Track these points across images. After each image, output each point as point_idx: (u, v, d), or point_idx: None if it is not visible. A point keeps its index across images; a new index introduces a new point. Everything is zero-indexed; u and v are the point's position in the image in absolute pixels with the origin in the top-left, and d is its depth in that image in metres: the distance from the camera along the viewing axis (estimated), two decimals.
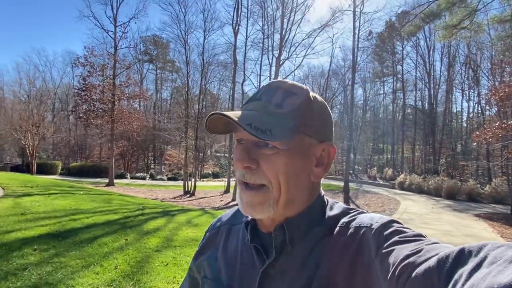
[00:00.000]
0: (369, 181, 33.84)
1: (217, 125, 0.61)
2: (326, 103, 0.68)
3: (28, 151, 21.11)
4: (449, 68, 34.93)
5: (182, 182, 27.40)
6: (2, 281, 3.30)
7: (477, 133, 10.04)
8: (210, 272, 0.72)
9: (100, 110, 18.49)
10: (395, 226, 0.55)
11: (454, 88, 36.42)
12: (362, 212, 0.65)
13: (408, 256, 0.44)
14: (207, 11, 24.62)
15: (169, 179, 29.19)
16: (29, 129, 20.67)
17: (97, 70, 18.00)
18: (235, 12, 20.61)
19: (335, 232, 0.61)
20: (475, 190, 18.81)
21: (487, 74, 29.72)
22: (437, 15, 14.04)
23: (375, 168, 39.61)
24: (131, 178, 26.81)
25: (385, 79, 45.80)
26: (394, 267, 0.45)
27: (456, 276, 0.35)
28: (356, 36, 18.30)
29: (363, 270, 0.52)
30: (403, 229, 0.54)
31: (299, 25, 22.58)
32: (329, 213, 0.66)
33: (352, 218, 0.62)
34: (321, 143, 0.65)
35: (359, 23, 18.82)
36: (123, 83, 19.28)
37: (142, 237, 5.55)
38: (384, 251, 0.50)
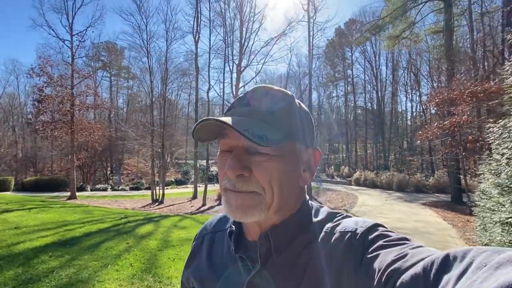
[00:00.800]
0: (328, 179, 35.67)
1: (204, 132, 0.61)
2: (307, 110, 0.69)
3: None
4: (393, 72, 38.12)
5: (145, 191, 27.29)
6: (36, 283, 3.60)
7: (420, 132, 11.55)
8: (197, 283, 0.72)
9: (59, 121, 17.91)
10: (380, 230, 0.55)
11: (398, 90, 39.76)
12: (346, 216, 0.65)
13: (393, 262, 0.45)
14: (169, 21, 24.61)
15: (131, 189, 28.65)
16: None
17: (55, 80, 17.45)
18: (195, 21, 21.01)
19: (320, 238, 0.60)
20: (421, 182, 20.83)
21: (426, 77, 33.10)
22: (382, 27, 15.65)
23: (332, 167, 41.75)
24: (91, 190, 25.93)
25: (337, 83, 48.55)
26: (380, 272, 0.45)
27: (442, 283, 0.36)
28: (311, 44, 19.47)
29: (350, 276, 0.51)
30: (388, 232, 0.54)
31: (257, 33, 23.40)
32: (315, 218, 0.65)
33: (337, 223, 0.62)
34: (307, 148, 0.66)
35: (313, 32, 20.07)
36: (82, 93, 18.85)
37: (141, 240, 5.95)
38: (369, 256, 0.50)
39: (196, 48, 21.77)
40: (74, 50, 19.30)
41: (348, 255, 0.53)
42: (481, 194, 5.03)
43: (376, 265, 0.47)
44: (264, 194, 0.59)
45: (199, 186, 22.70)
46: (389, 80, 39.60)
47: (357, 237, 0.55)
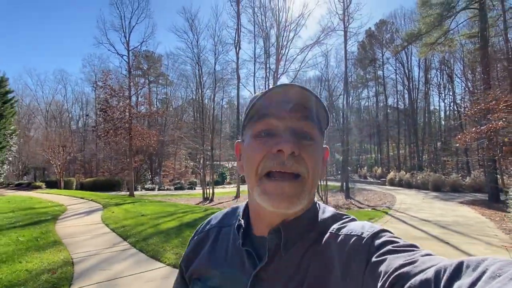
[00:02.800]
0: (361, 179, 36.40)
1: (264, 102, 0.60)
2: None
3: (56, 170, 22.47)
4: (426, 72, 38.13)
5: (188, 191, 29.35)
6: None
7: (459, 136, 12.49)
8: (201, 276, 0.71)
9: (120, 128, 20.14)
10: (386, 235, 0.55)
11: (431, 89, 39.68)
12: (352, 219, 0.64)
13: (402, 266, 0.44)
14: (217, 36, 26.63)
15: (175, 188, 30.75)
16: (56, 150, 22.05)
17: (117, 92, 19.69)
18: (236, 34, 22.70)
19: (325, 238, 0.60)
20: (457, 182, 21.35)
21: (459, 76, 33.05)
22: (418, 37, 16.55)
23: (366, 168, 42.28)
24: (141, 189, 28.30)
25: (367, 84, 48.89)
26: (387, 276, 0.45)
27: None
28: (346, 52, 20.62)
29: (354, 278, 0.51)
30: (395, 239, 0.54)
31: (291, 41, 24.65)
32: (321, 217, 0.66)
33: (343, 225, 0.61)
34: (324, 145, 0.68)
35: (346, 39, 21.15)
36: (138, 103, 21.06)
37: None
38: (376, 259, 0.49)
39: (237, 58, 23.50)
40: (130, 64, 21.55)
41: (353, 258, 0.53)
42: None
43: (383, 268, 0.47)
44: (307, 179, 0.59)
45: (213, 188, 24.82)
46: (421, 80, 39.59)
47: (363, 241, 0.54)
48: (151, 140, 20.82)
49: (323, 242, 0.60)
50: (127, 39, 21.95)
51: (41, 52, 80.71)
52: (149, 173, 41.86)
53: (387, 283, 0.43)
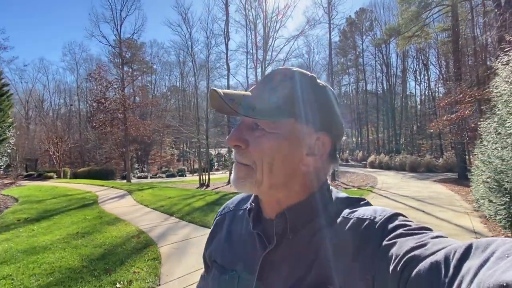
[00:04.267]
0: (342, 163, 38.29)
1: (214, 103, 0.61)
2: (335, 94, 0.68)
3: (55, 160, 22.91)
4: (403, 59, 40.13)
5: (179, 178, 30.37)
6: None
7: (432, 124, 14.18)
8: (218, 257, 0.74)
9: (116, 119, 20.80)
10: (399, 219, 0.55)
11: (407, 76, 41.82)
12: (366, 204, 0.65)
13: (413, 249, 0.45)
14: (209, 30, 27.24)
15: (167, 176, 31.66)
16: (55, 141, 22.43)
17: (113, 84, 20.25)
18: (226, 26, 23.47)
19: (338, 222, 0.60)
20: (431, 163, 23.32)
21: (434, 64, 35.20)
22: (398, 31, 17.99)
23: (347, 152, 44.34)
24: (134, 177, 29.06)
25: (348, 70, 50.59)
26: (398, 259, 0.45)
27: (463, 271, 0.35)
28: (331, 42, 21.87)
29: (366, 262, 0.51)
30: (407, 222, 0.54)
31: (277, 31, 25.63)
32: (333, 202, 0.66)
33: (355, 209, 0.62)
34: (316, 131, 0.64)
35: (331, 31, 22.37)
36: (131, 94, 21.70)
37: None
38: (388, 243, 0.50)
39: (227, 49, 24.33)
40: (123, 56, 22.02)
41: (365, 242, 0.54)
42: (475, 167, 7.71)
43: (394, 251, 0.47)
44: (254, 169, 0.61)
45: (209, 174, 26.07)
46: (399, 67, 41.60)
47: (376, 225, 0.55)
48: (146, 130, 21.58)
49: (334, 225, 0.60)
50: (119, 31, 22.33)
51: (22, 41, 77.46)
52: (137, 161, 42.44)
53: (399, 266, 0.44)
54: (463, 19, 18.10)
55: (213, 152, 48.34)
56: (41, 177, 21.49)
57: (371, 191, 12.78)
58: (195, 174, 36.88)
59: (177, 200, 9.22)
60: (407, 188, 13.52)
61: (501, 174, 5.42)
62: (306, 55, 48.96)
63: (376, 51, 43.44)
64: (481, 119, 7.68)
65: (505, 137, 5.53)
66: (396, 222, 0.54)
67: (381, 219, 0.55)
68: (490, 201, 5.98)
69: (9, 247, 4.84)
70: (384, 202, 9.81)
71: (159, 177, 31.12)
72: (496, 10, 10.97)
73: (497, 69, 6.84)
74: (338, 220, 0.61)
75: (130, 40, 49.46)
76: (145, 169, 40.17)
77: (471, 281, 0.33)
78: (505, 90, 6.18)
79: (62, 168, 24.09)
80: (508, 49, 6.51)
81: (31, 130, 33.95)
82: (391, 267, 0.46)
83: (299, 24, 55.43)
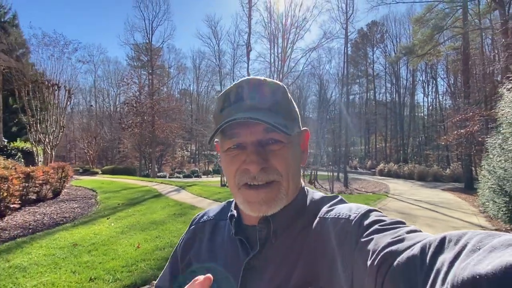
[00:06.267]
0: (352, 170, 39.64)
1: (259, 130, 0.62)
2: None
3: (88, 158, 24.53)
4: (413, 72, 41.50)
5: (195, 179, 31.83)
6: None
7: (444, 137, 15.61)
8: (198, 266, 0.74)
9: (146, 121, 22.39)
10: (374, 214, 0.57)
11: (416, 88, 43.20)
12: (340, 201, 0.67)
13: (389, 244, 0.45)
14: (236, 42, 28.95)
15: (184, 176, 33.12)
16: (90, 140, 24.07)
17: (144, 88, 21.88)
18: (248, 38, 25.07)
19: (315, 222, 0.62)
20: (439, 173, 24.63)
21: (442, 77, 36.58)
22: (413, 50, 19.47)
23: (357, 159, 45.71)
24: (153, 176, 30.60)
25: (358, 80, 52.06)
26: (375, 254, 0.46)
27: (437, 265, 0.36)
28: (347, 56, 23.41)
29: (345, 259, 0.53)
30: (382, 217, 0.55)
31: (295, 43, 27.18)
32: (310, 203, 0.68)
33: (330, 208, 0.64)
34: (301, 129, 0.71)
35: (347, 44, 23.90)
36: (161, 98, 23.34)
37: None
38: (364, 239, 0.51)
39: (248, 58, 25.93)
40: (153, 63, 23.69)
41: (342, 240, 0.55)
42: (482, 176, 9.13)
43: (371, 247, 0.48)
44: (281, 181, 0.63)
45: None
46: (409, 79, 43.00)
47: (352, 223, 0.56)
48: (172, 132, 23.14)
49: (313, 226, 0.62)
50: (150, 39, 24.05)
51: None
52: (150, 162, 44.17)
53: (376, 261, 0.45)
54: (473, 40, 19.56)
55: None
56: (87, 172, 23.09)
57: (387, 196, 14.17)
58: (209, 176, 38.47)
59: (228, 194, 10.68)
60: (418, 195, 14.88)
61: (504, 181, 6.86)
62: (317, 64, 50.65)
63: (386, 62, 44.87)
64: (488, 136, 9.12)
65: (507, 152, 6.96)
66: (371, 218, 0.55)
67: (356, 216, 0.57)
68: (494, 202, 7.40)
69: (136, 221, 6.40)
70: (401, 204, 11.21)
71: (176, 177, 32.56)
72: (503, 39, 12.42)
73: (503, 94, 8.28)
74: (316, 220, 0.63)
75: (147, 44, 51.75)
76: (156, 170, 41.84)
77: (446, 274, 0.33)
78: (509, 112, 7.61)
79: (95, 166, 25.72)
80: None
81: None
82: (368, 263, 0.47)
83: (316, 37, 57.38)
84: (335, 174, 27.40)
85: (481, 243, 0.34)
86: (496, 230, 6.97)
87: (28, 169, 7.32)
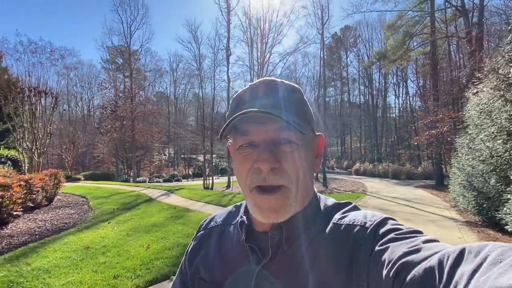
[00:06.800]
0: (329, 170, 40.76)
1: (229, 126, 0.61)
2: None
3: (66, 164, 23.81)
4: (385, 75, 43.29)
5: (176, 182, 31.69)
6: None
7: (417, 138, 16.66)
8: (206, 273, 0.72)
9: (125, 126, 22.18)
10: (390, 223, 0.56)
11: (388, 90, 45.09)
12: (354, 208, 0.67)
13: (406, 254, 0.45)
14: (216, 47, 29.15)
15: (164, 181, 32.86)
16: (67, 146, 23.39)
17: (125, 93, 21.69)
18: (228, 42, 25.44)
19: (328, 229, 0.61)
20: (411, 171, 25.92)
21: (412, 80, 38.46)
22: (385, 55, 20.52)
23: (334, 159, 47.02)
24: (133, 181, 30.22)
25: (333, 83, 53.62)
26: (391, 264, 0.45)
27: (456, 277, 0.35)
28: (323, 61, 24.28)
29: (360, 268, 0.52)
30: (398, 226, 0.55)
31: (273, 47, 27.84)
32: (323, 209, 0.67)
33: (344, 215, 0.63)
34: (315, 134, 0.70)
35: (323, 48, 24.77)
36: (141, 102, 23.18)
37: None
38: (380, 248, 0.50)
39: (228, 62, 26.27)
40: (132, 67, 23.53)
41: (357, 247, 0.54)
42: (452, 173, 9.94)
43: (387, 256, 0.47)
44: (291, 187, 0.60)
45: (218, 178, 27.61)
46: (381, 82, 44.80)
47: (367, 230, 0.55)
48: (153, 137, 23.04)
49: (326, 233, 0.61)
50: (128, 43, 23.86)
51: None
52: (127, 167, 43.43)
53: (392, 271, 0.44)
54: (440, 45, 20.91)
55: (201, 158, 49.86)
56: (70, 179, 22.47)
57: (365, 194, 14.91)
58: (189, 179, 38.33)
59: (217, 197, 11.00)
60: (394, 192, 15.75)
61: (472, 177, 7.61)
62: (293, 67, 51.82)
63: (360, 66, 46.55)
64: (457, 136, 9.95)
65: (474, 151, 7.71)
66: (387, 227, 0.55)
67: (372, 224, 0.57)
68: (464, 196, 8.15)
69: (137, 224, 6.60)
70: (380, 201, 11.91)
71: (156, 181, 32.27)
72: (468, 47, 13.54)
73: (469, 98, 9.08)
74: (330, 226, 0.62)
75: (122, 46, 50.90)
76: (131, 174, 41.23)
77: (466, 287, 0.33)
78: (475, 115, 8.40)
79: (73, 172, 25.09)
80: (477, 83, 8.73)
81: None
82: (384, 272, 0.46)
83: (294, 41, 58.65)
84: (315, 174, 28.01)
85: (502, 256, 0.33)
86: (466, 221, 7.72)
87: (26, 176, 7.32)
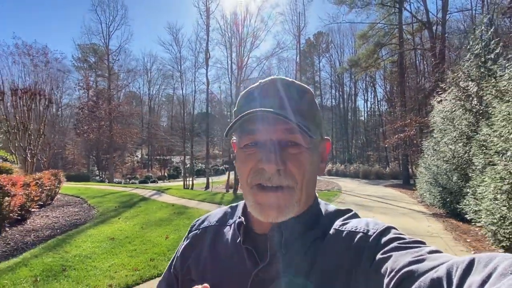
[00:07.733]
0: None
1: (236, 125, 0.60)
2: None
3: (43, 165, 22.99)
4: (355, 80, 45.44)
5: (151, 184, 31.57)
6: None
7: (387, 140, 18.07)
8: (197, 275, 0.69)
9: (103, 127, 22.05)
10: (393, 231, 0.55)
11: (357, 93, 47.36)
12: (355, 215, 0.65)
13: (410, 263, 0.44)
14: (196, 51, 29.34)
15: (140, 182, 32.59)
16: (43, 147, 22.60)
17: (103, 94, 21.57)
18: (207, 45, 25.90)
19: (329, 234, 0.60)
20: (380, 171, 27.60)
21: (380, 85, 40.75)
22: (357, 63, 21.93)
23: None
24: (109, 182, 29.80)
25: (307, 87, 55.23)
26: (394, 272, 0.44)
27: (465, 287, 0.34)
28: (299, 65, 25.45)
29: (360, 276, 0.51)
30: (401, 235, 0.54)
31: (251, 51, 28.59)
32: (324, 215, 0.66)
33: (346, 221, 0.62)
34: (322, 139, 0.68)
35: (300, 55, 25.95)
36: (120, 103, 23.09)
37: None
38: (382, 256, 0.49)
39: (207, 65, 26.71)
40: (110, 67, 23.41)
41: (359, 255, 0.53)
42: (419, 173, 11.15)
43: (389, 265, 0.46)
44: (295, 188, 0.59)
45: (195, 179, 28.01)
46: (351, 86, 46.97)
47: (370, 238, 0.54)
48: (132, 137, 23.05)
49: (327, 238, 0.60)
50: (107, 44, 23.70)
51: None
52: (96, 167, 42.42)
53: (394, 280, 0.43)
54: (407, 55, 22.67)
55: (176, 159, 49.61)
56: None
57: (340, 192, 16.00)
58: (165, 181, 38.18)
59: (208, 196, 11.53)
60: (366, 190, 16.96)
61: (437, 175, 8.76)
62: (268, 70, 52.81)
63: (332, 71, 48.52)
64: (423, 139, 11.18)
65: (439, 153, 8.87)
66: (390, 235, 0.54)
67: (374, 232, 0.56)
68: (431, 192, 9.31)
69: (146, 219, 7.07)
70: (356, 198, 12.98)
71: (132, 183, 31.98)
72: (433, 60, 15.05)
73: (434, 105, 10.29)
74: (330, 232, 0.61)
75: (94, 45, 49.67)
76: (104, 175, 40.44)
77: None
78: (439, 121, 9.58)
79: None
80: (441, 92, 9.90)
81: None
82: (385, 281, 0.45)
83: (271, 46, 59.86)
84: None
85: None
86: (433, 213, 8.84)
87: (36, 176, 7.55)
